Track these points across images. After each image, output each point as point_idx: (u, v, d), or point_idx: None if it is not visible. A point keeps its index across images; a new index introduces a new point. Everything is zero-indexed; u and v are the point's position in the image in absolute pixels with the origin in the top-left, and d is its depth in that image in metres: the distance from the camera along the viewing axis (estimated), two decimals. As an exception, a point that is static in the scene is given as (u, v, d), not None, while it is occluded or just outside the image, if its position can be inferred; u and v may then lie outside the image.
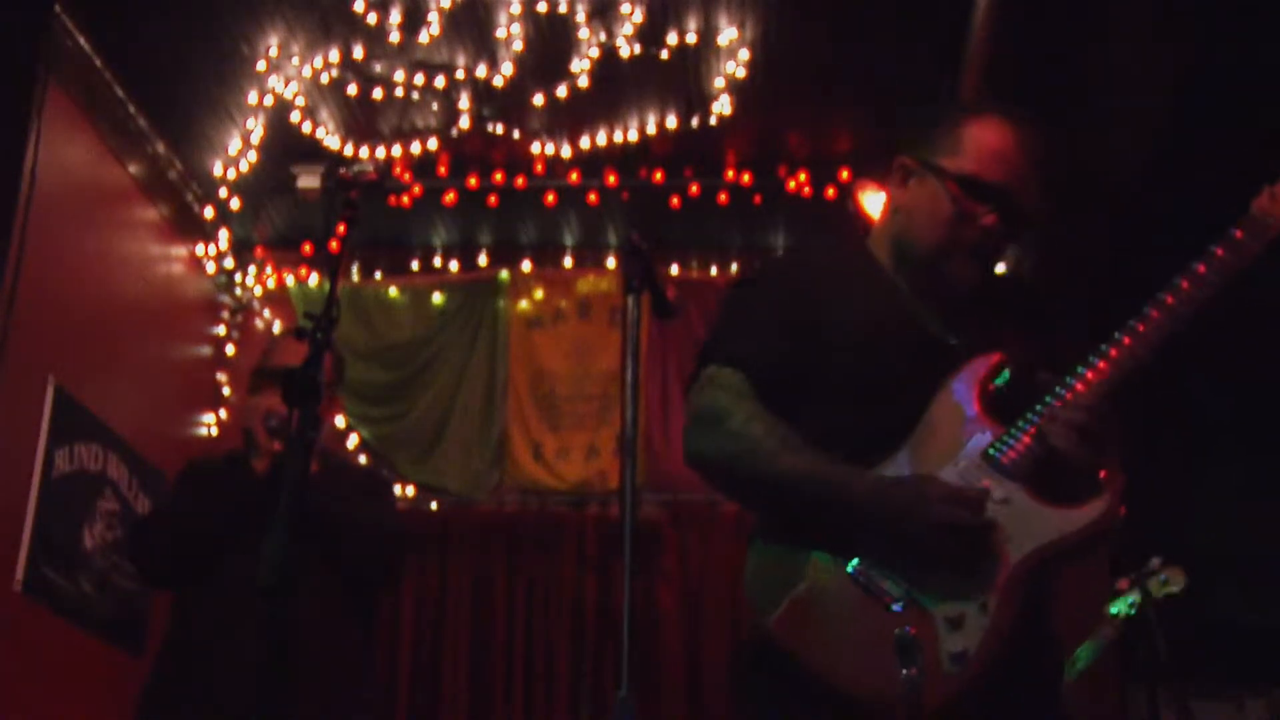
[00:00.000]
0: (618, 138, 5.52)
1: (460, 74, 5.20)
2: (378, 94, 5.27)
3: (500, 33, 5.01)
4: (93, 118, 5.16)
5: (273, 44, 5.10)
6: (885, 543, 1.88)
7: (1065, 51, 4.64)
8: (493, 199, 5.84)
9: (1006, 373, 2.01)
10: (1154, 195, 4.79)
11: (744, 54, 5.06)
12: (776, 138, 5.60)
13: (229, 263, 6.17)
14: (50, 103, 4.76)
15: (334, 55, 5.15)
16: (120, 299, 5.41)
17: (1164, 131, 4.69)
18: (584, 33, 4.99)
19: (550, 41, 5.07)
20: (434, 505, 5.99)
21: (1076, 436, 1.86)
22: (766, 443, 1.97)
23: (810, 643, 1.88)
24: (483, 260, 6.27)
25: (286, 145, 5.55)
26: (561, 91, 5.22)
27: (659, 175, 5.72)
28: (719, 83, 5.19)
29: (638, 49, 5.04)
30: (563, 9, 4.90)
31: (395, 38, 5.02)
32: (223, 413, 6.07)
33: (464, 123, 5.41)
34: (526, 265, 6.27)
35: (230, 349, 6.23)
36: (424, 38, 5.01)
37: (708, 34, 5.00)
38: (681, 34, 5.00)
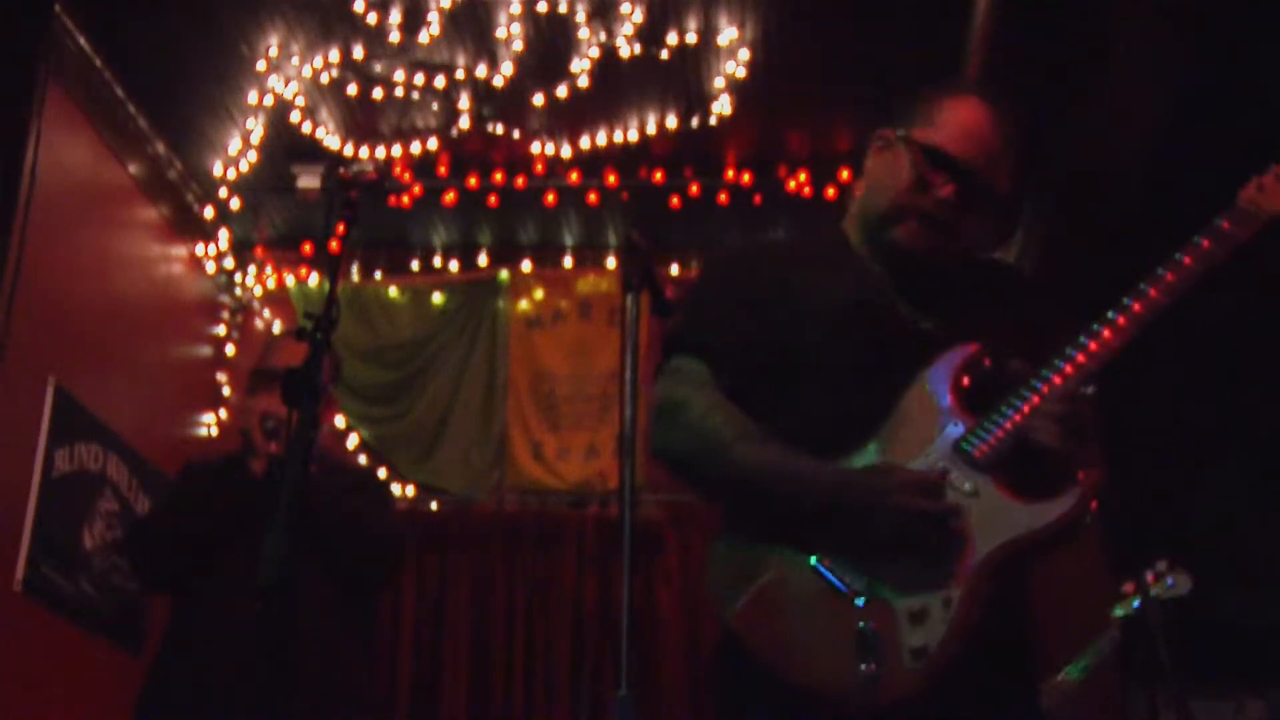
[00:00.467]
0: (618, 138, 5.52)
1: (460, 74, 5.20)
2: (378, 94, 5.27)
3: (500, 33, 5.01)
4: (93, 118, 5.16)
5: (273, 44, 5.10)
6: (847, 535, 1.85)
7: (1065, 51, 4.64)
8: (493, 199, 5.84)
9: (982, 364, 1.97)
10: (1154, 194, 4.79)
11: (744, 54, 5.06)
12: (776, 138, 5.60)
13: (229, 263, 6.18)
14: (50, 103, 4.76)
15: (334, 55, 5.15)
16: (120, 299, 5.41)
17: (1164, 130, 4.69)
18: (584, 33, 5.00)
19: (550, 41, 5.07)
20: (434, 505, 5.99)
21: (1059, 429, 1.83)
22: (725, 434, 1.94)
23: (770, 636, 1.85)
24: (483, 260, 6.27)
25: (286, 145, 5.56)
26: (561, 91, 5.23)
27: (659, 175, 5.72)
28: (719, 83, 5.19)
29: (638, 49, 5.04)
30: (563, 9, 4.90)
31: (395, 38, 5.02)
32: (223, 413, 6.07)
33: (464, 123, 5.41)
34: (526, 265, 6.27)
35: (230, 349, 6.23)
36: (424, 38, 5.01)
37: (708, 34, 5.00)
38: (681, 34, 5.00)
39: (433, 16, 4.94)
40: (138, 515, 5.21)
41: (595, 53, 5.07)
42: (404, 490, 5.98)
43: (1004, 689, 1.90)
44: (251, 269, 6.25)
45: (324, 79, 5.22)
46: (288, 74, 5.23)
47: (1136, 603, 4.01)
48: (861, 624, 1.76)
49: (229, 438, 5.36)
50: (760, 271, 2.12)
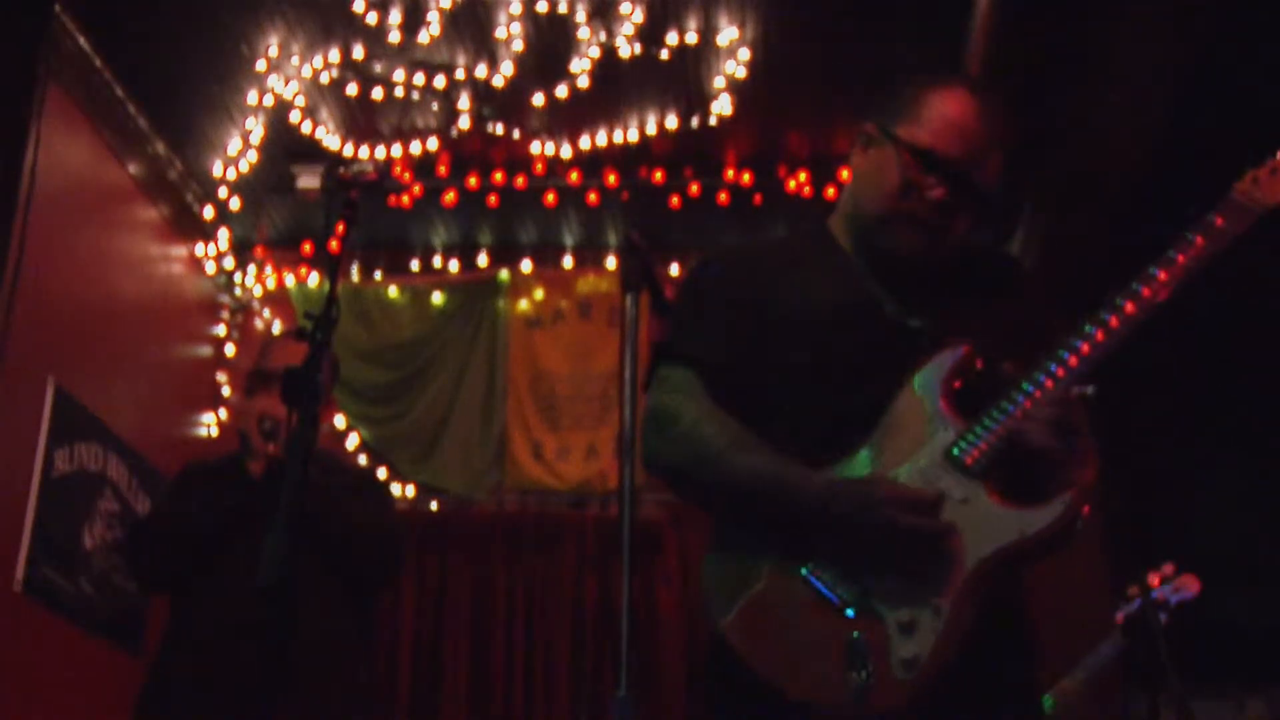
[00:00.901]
0: (618, 138, 5.51)
1: (460, 74, 5.20)
2: (378, 94, 5.27)
3: (500, 33, 5.01)
4: (93, 118, 5.16)
5: (273, 44, 5.10)
6: (837, 546, 1.83)
7: (1065, 50, 4.63)
8: (493, 199, 5.83)
9: (974, 365, 1.94)
10: (1155, 192, 4.79)
11: (744, 54, 5.06)
12: (776, 138, 5.60)
13: (229, 263, 6.17)
14: (50, 103, 4.76)
15: (334, 55, 5.15)
16: (120, 299, 5.41)
17: (1165, 127, 4.69)
18: (584, 33, 4.99)
19: (550, 41, 5.07)
20: (434, 505, 5.99)
21: (1050, 434, 1.81)
22: (716, 443, 1.92)
23: (762, 647, 1.84)
24: (483, 260, 6.27)
25: (286, 145, 5.55)
26: (561, 91, 5.22)
27: (659, 175, 5.72)
28: (719, 83, 5.19)
29: (638, 49, 5.03)
30: (563, 9, 4.90)
31: (395, 38, 5.01)
32: (223, 413, 6.07)
33: (464, 123, 5.41)
34: (526, 265, 6.27)
35: (230, 349, 6.23)
36: (424, 38, 5.00)
37: (708, 34, 4.99)
38: (681, 34, 5.00)
39: (433, 16, 4.94)
40: (138, 515, 5.21)
41: (595, 53, 5.07)
42: (404, 490, 5.98)
43: (1001, 694, 1.88)
44: (251, 269, 6.24)
45: (324, 79, 5.22)
46: (288, 74, 5.23)
47: (1137, 604, 4.00)
48: (852, 635, 1.75)
49: (229, 438, 5.36)
50: (746, 276, 2.09)
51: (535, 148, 5.55)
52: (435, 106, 5.39)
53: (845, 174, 5.62)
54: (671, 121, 5.42)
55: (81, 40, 4.93)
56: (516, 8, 4.89)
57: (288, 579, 1.82)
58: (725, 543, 1.96)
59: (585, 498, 5.95)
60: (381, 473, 5.92)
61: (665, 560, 5.77)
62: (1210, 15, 4.22)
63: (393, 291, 6.28)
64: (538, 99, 5.27)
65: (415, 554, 5.71)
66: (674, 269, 6.12)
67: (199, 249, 6.04)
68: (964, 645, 1.76)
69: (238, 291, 6.28)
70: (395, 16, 4.96)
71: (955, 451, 1.86)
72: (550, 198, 5.77)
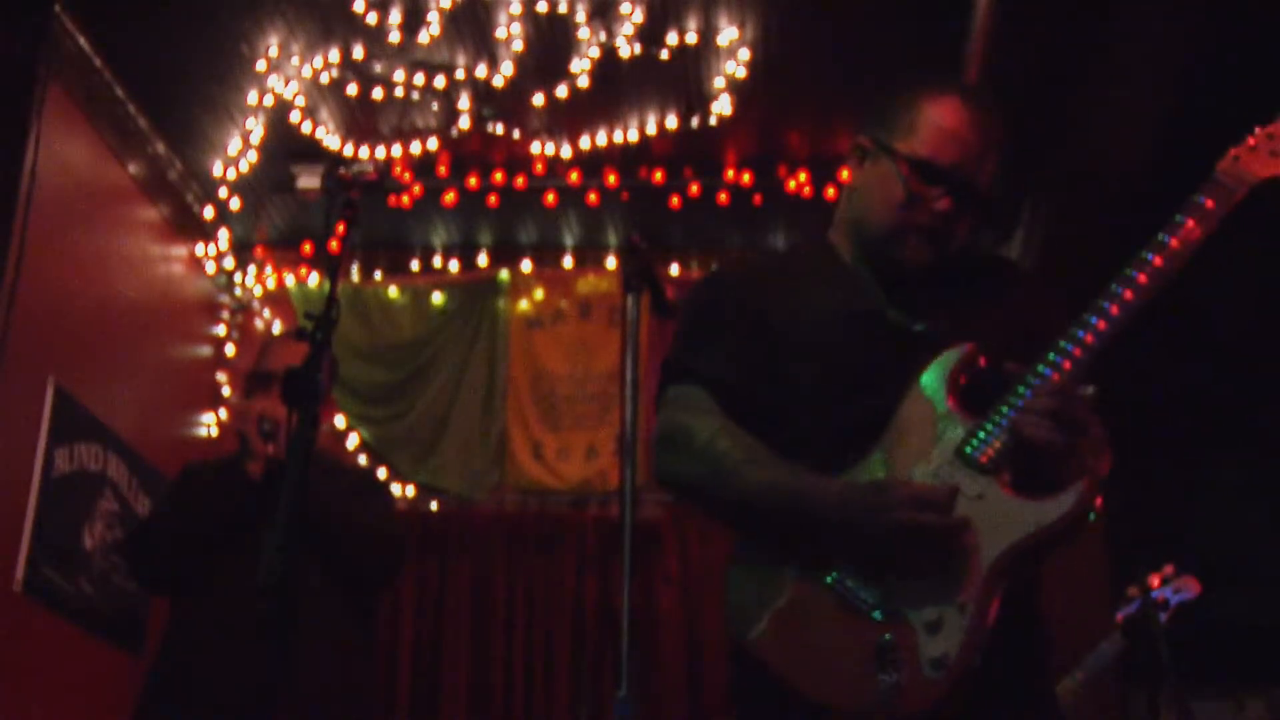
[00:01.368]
0: (618, 138, 5.51)
1: (460, 74, 5.20)
2: (378, 94, 5.27)
3: (500, 33, 5.01)
4: (93, 118, 5.16)
5: (273, 44, 5.10)
6: (857, 551, 1.84)
7: (1065, 49, 4.63)
8: (493, 199, 5.83)
9: (977, 363, 1.96)
10: (1155, 193, 4.78)
11: (744, 54, 5.06)
12: (776, 138, 5.60)
13: (229, 263, 6.18)
14: (50, 103, 4.76)
15: (334, 55, 5.15)
16: (120, 299, 5.41)
17: (1164, 129, 4.69)
18: (584, 33, 4.99)
19: (550, 41, 5.06)
20: (434, 505, 5.99)
21: (1050, 424, 1.81)
22: (731, 458, 1.93)
23: (793, 657, 1.85)
24: (483, 260, 6.27)
25: (286, 145, 5.55)
26: (561, 91, 5.22)
27: (659, 175, 5.72)
28: (719, 83, 5.19)
29: (638, 49, 5.03)
30: (563, 9, 4.90)
31: (395, 38, 5.02)
32: (223, 413, 6.07)
33: (464, 123, 5.41)
34: (526, 265, 6.27)
35: (230, 349, 6.23)
36: (424, 38, 5.00)
37: (708, 34, 4.99)
38: (681, 34, 5.00)
39: (433, 16, 4.94)
40: (138, 515, 5.21)
41: (595, 53, 5.07)
42: (404, 490, 5.98)
43: (1023, 690, 1.90)
44: (251, 269, 6.25)
45: (324, 79, 5.22)
46: (288, 74, 5.23)
47: (1137, 604, 4.00)
48: (882, 637, 1.76)
49: (228, 438, 5.36)
50: (750, 291, 2.11)
51: (535, 148, 5.55)
52: (435, 106, 5.39)
53: (845, 174, 5.65)
54: (671, 121, 5.42)
55: (81, 40, 4.93)
56: (516, 8, 4.89)
57: (288, 579, 1.82)
58: (747, 556, 1.97)
59: (585, 498, 5.95)
60: (381, 473, 5.92)
61: (665, 560, 5.77)
62: (1210, 14, 4.22)
63: (393, 291, 6.28)
64: (538, 99, 5.27)
65: (415, 554, 5.71)
66: (674, 269, 6.13)
67: (199, 249, 6.04)
68: (991, 641, 1.78)
69: (238, 291, 6.28)
70: (395, 16, 4.96)
71: (968, 450, 1.87)
72: (550, 198, 5.77)
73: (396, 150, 5.59)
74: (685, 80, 5.23)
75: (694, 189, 5.70)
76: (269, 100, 5.30)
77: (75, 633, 4.84)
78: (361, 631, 3.17)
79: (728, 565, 1.99)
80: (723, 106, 5.25)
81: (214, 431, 6.05)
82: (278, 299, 6.27)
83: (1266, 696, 6.54)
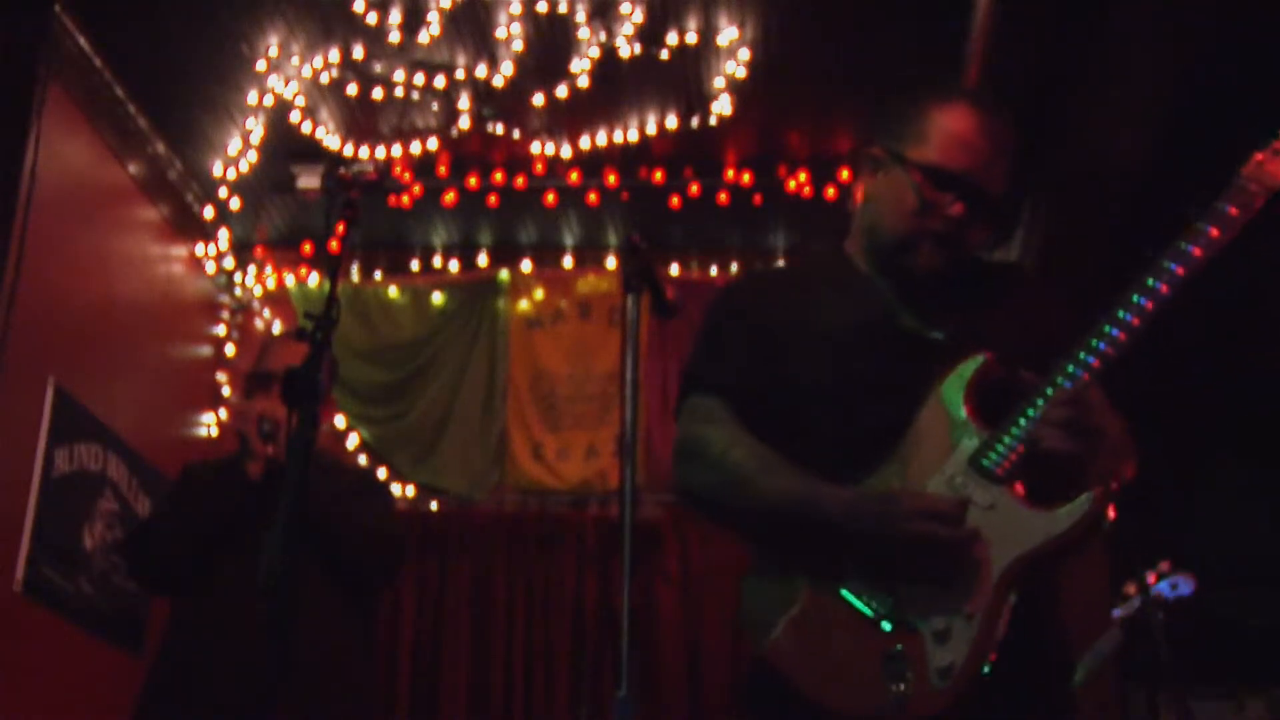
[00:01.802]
0: (618, 138, 5.51)
1: (460, 74, 5.20)
2: (378, 94, 5.27)
3: (500, 33, 5.01)
4: (93, 118, 5.16)
5: (273, 44, 5.10)
6: (869, 560, 1.86)
7: (1066, 49, 4.63)
8: (493, 199, 5.83)
9: (995, 374, 1.96)
10: (1155, 193, 4.79)
11: (744, 54, 5.06)
12: (776, 138, 5.60)
13: (229, 263, 6.18)
14: (50, 103, 4.76)
15: (334, 55, 5.15)
16: (120, 299, 5.41)
17: (1164, 129, 4.69)
18: (584, 33, 4.99)
19: (550, 41, 5.06)
20: (434, 505, 5.99)
21: (1064, 434, 1.82)
22: (746, 468, 1.95)
23: (806, 665, 1.87)
24: (483, 260, 6.27)
25: (286, 145, 5.55)
26: (561, 91, 5.22)
27: (659, 175, 5.72)
28: (719, 83, 5.19)
29: (638, 49, 5.03)
30: (563, 9, 4.90)
31: (395, 38, 5.02)
32: (223, 413, 6.07)
33: (464, 123, 5.41)
34: (526, 265, 6.27)
35: (230, 349, 6.23)
36: (424, 38, 5.00)
37: (708, 34, 4.99)
38: (681, 34, 5.00)
39: (433, 16, 4.94)
40: (138, 515, 5.21)
41: (595, 53, 5.07)
42: (404, 490, 5.98)
43: (1035, 693, 1.90)
44: (251, 269, 6.25)
45: (324, 79, 5.22)
46: (288, 74, 5.23)
47: (1137, 602, 4.00)
48: (890, 647, 1.77)
49: (229, 438, 5.36)
50: (767, 302, 2.13)
51: (535, 148, 5.55)
52: (435, 106, 5.39)
53: (845, 174, 5.67)
54: (671, 121, 5.42)
55: (81, 40, 4.93)
56: (516, 8, 4.89)
57: (288, 579, 1.82)
58: (762, 566, 1.99)
59: (585, 498, 5.95)
60: (381, 473, 5.92)
61: (665, 560, 5.77)
62: (1210, 14, 4.22)
63: (393, 291, 6.28)
64: (538, 99, 5.27)
65: (415, 554, 5.71)
66: (674, 269, 6.13)
67: (199, 249, 6.04)
68: (1000, 650, 1.79)
69: (238, 291, 6.28)
70: (395, 16, 4.96)
71: (985, 462, 1.89)
72: (550, 198, 5.77)
73: (396, 150, 5.59)
74: (685, 80, 5.23)
75: (694, 189, 5.70)
76: (269, 100, 5.30)
77: (75, 633, 4.84)
78: (361, 631, 3.17)
79: (744, 575, 2.00)
80: (723, 106, 5.25)
81: (214, 431, 6.05)
82: (278, 299, 6.27)
83: (1266, 696, 6.54)
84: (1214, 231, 1.89)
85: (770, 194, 5.72)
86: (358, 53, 5.15)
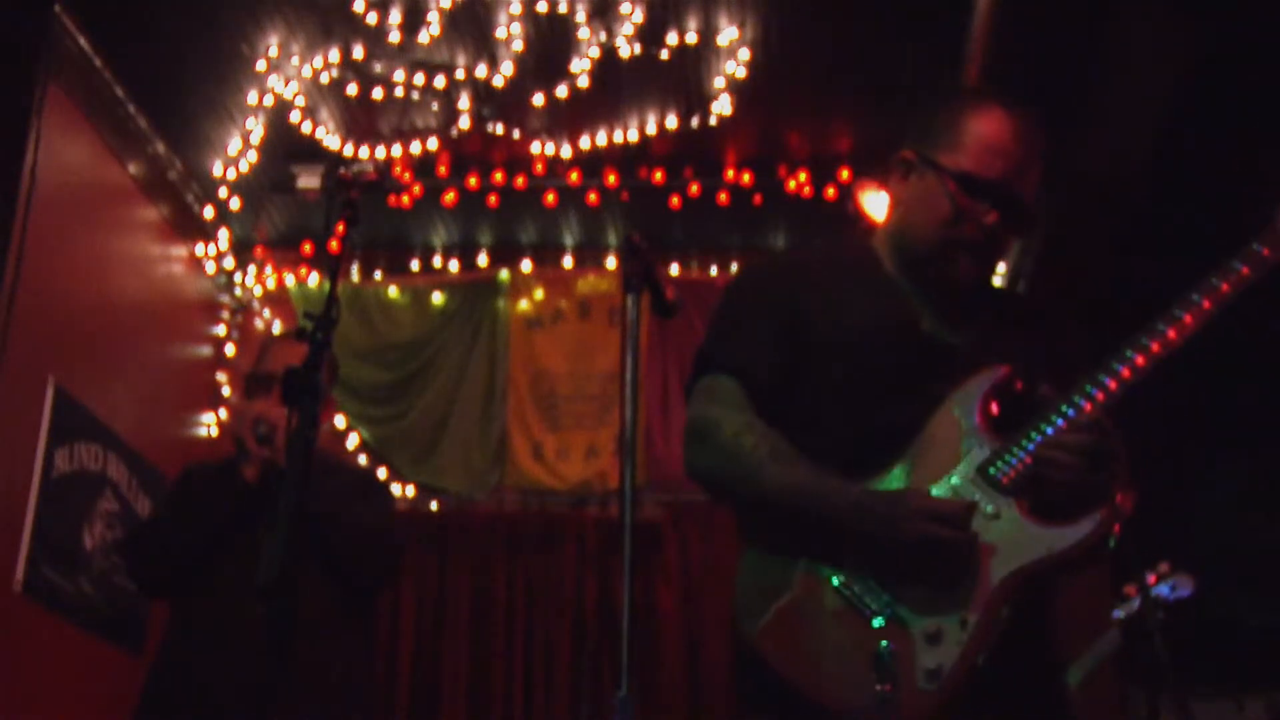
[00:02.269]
0: (618, 138, 5.52)
1: (460, 74, 5.20)
2: (378, 94, 5.27)
3: (500, 33, 5.01)
4: (93, 118, 5.16)
5: (273, 44, 5.10)
6: (868, 556, 1.86)
7: (1066, 50, 4.63)
8: (493, 199, 5.83)
9: (1013, 387, 1.97)
10: (1157, 195, 4.79)
11: (744, 54, 5.06)
12: (776, 138, 5.60)
13: (229, 263, 6.18)
14: (50, 103, 4.76)
15: (334, 55, 5.15)
16: (120, 299, 5.41)
17: (1167, 131, 4.69)
18: (584, 33, 4.99)
19: (550, 41, 5.07)
20: (434, 505, 5.99)
21: (1077, 462, 1.83)
22: (756, 455, 1.94)
23: (791, 653, 1.86)
24: (483, 260, 6.27)
25: (286, 145, 5.55)
26: (561, 91, 5.22)
27: (659, 175, 5.72)
28: (719, 83, 5.19)
29: (638, 49, 5.03)
30: (563, 9, 4.90)
31: (395, 38, 5.02)
32: (223, 413, 6.07)
33: (464, 123, 5.41)
34: (526, 265, 6.27)
35: (230, 349, 6.23)
36: (424, 38, 5.00)
37: (708, 34, 4.99)
38: (681, 34, 5.00)
39: (433, 16, 4.94)
40: (138, 515, 5.21)
41: (595, 53, 5.07)
42: (404, 490, 5.98)
43: (1028, 697, 1.90)
44: (251, 269, 6.25)
45: (324, 79, 5.22)
46: (288, 74, 5.23)
47: (1136, 603, 4.00)
48: (879, 644, 1.77)
49: (228, 439, 5.37)
50: (789, 287, 2.11)
51: (535, 148, 5.55)
52: (435, 106, 5.39)
53: (845, 174, 5.67)
54: (671, 121, 5.42)
55: (81, 40, 4.93)
56: (516, 8, 4.89)
57: (287, 579, 1.82)
58: (761, 551, 1.98)
59: (585, 498, 5.95)
60: (381, 473, 5.92)
61: (665, 560, 5.77)
62: (1210, 14, 4.22)
63: (393, 291, 6.28)
64: (538, 99, 5.27)
65: (415, 554, 5.71)
66: (674, 269, 6.13)
67: (199, 249, 6.04)
68: (992, 657, 1.79)
69: (238, 291, 6.28)
70: (395, 16, 4.96)
71: (992, 470, 1.89)
72: (550, 198, 5.77)
73: (396, 150, 5.59)
74: (685, 80, 5.23)
75: (694, 189, 5.70)
76: (269, 100, 5.30)
77: (75, 633, 4.84)
78: (360, 631, 3.17)
79: (741, 552, 2.00)
80: (723, 106, 5.25)
81: (214, 431, 6.05)
82: (278, 299, 6.27)
83: (1266, 697, 6.54)
84: (1244, 270, 1.92)
85: (770, 194, 5.72)
86: (358, 53, 5.15)
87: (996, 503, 1.86)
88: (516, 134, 5.49)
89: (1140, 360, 1.88)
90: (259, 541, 1.89)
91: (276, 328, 6.14)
